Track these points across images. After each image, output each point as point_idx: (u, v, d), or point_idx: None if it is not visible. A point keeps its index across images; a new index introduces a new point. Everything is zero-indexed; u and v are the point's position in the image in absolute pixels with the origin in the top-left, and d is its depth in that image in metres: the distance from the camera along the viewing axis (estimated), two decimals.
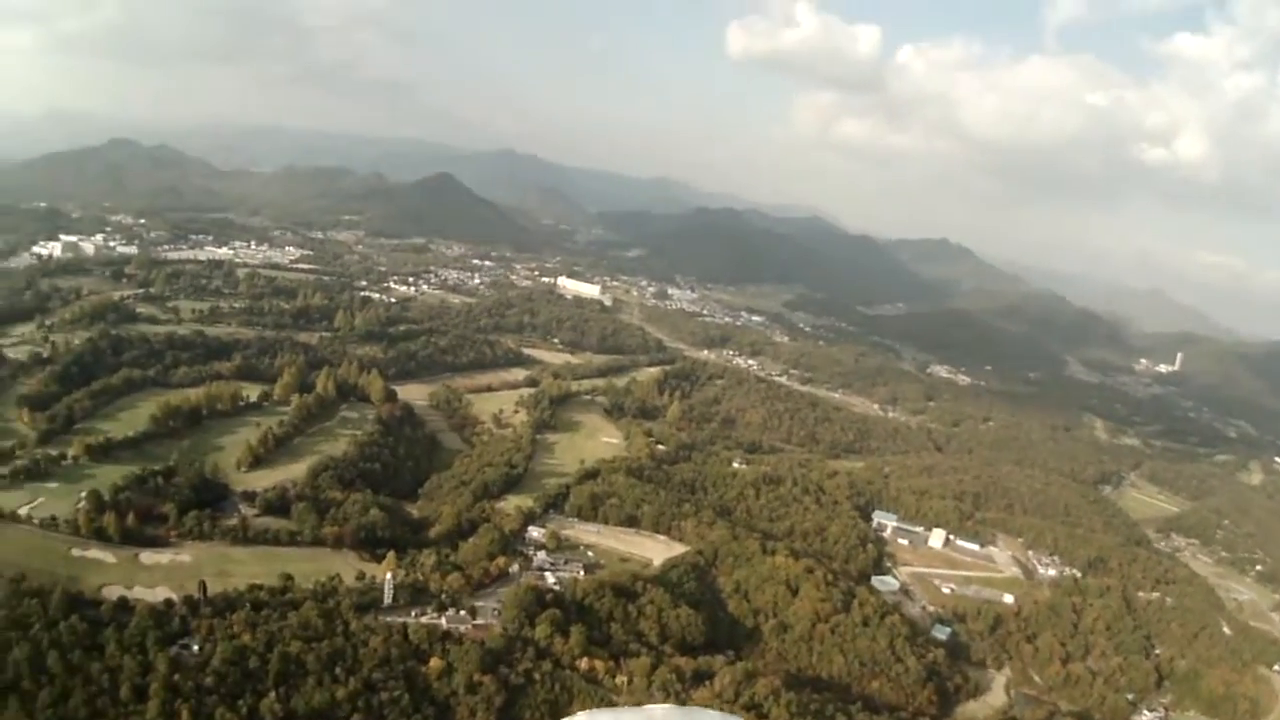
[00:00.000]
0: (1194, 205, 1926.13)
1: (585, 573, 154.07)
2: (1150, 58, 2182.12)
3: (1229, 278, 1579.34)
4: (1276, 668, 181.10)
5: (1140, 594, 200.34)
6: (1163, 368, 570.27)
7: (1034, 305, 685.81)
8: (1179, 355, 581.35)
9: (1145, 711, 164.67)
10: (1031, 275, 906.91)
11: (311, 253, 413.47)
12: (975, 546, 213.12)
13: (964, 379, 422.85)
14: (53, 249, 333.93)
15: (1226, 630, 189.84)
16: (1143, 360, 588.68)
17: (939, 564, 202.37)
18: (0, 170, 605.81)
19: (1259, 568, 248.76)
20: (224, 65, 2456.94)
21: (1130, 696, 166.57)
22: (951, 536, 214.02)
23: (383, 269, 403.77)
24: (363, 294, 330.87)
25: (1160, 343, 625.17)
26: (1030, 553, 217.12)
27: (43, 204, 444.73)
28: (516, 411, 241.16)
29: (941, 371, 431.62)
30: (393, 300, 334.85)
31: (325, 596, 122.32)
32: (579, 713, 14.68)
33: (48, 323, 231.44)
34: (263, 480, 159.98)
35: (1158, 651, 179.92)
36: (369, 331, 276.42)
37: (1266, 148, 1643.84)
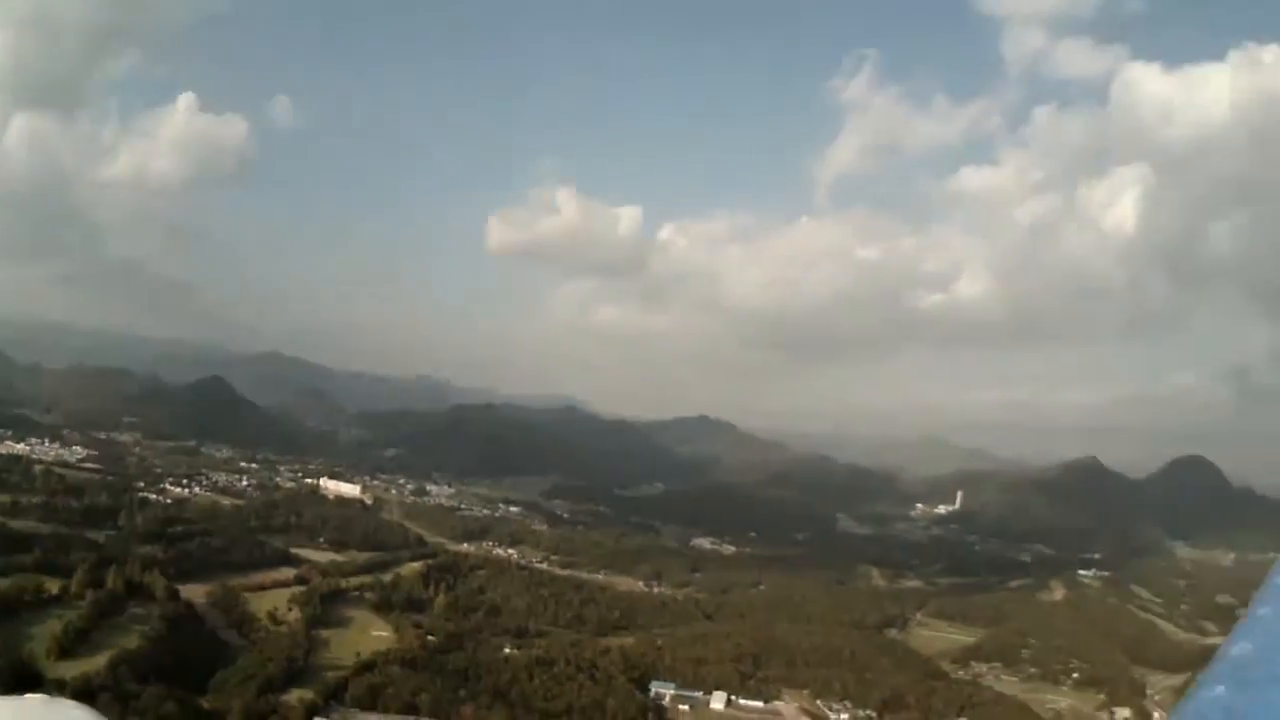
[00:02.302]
0: (974, 344, 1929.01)
1: None
2: (933, 199, 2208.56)
3: (1012, 410, 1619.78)
4: None
5: None
6: (942, 509, 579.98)
7: (801, 470, 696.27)
8: (959, 494, 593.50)
9: None
10: (799, 441, 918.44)
11: (96, 452, 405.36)
12: (760, 704, 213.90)
13: (729, 549, 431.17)
14: None
15: None
16: (919, 505, 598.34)
17: None
18: None
19: (1075, 675, 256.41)
20: (5, 261, 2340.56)
21: None
22: (733, 697, 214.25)
23: (159, 470, 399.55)
24: (142, 495, 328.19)
25: (937, 486, 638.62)
26: (819, 702, 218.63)
27: None
28: (290, 609, 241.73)
29: (705, 544, 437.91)
30: (169, 501, 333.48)
31: None
32: None
33: None
34: (71, 670, 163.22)
35: None
36: (150, 532, 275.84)
37: (1058, 270, 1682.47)
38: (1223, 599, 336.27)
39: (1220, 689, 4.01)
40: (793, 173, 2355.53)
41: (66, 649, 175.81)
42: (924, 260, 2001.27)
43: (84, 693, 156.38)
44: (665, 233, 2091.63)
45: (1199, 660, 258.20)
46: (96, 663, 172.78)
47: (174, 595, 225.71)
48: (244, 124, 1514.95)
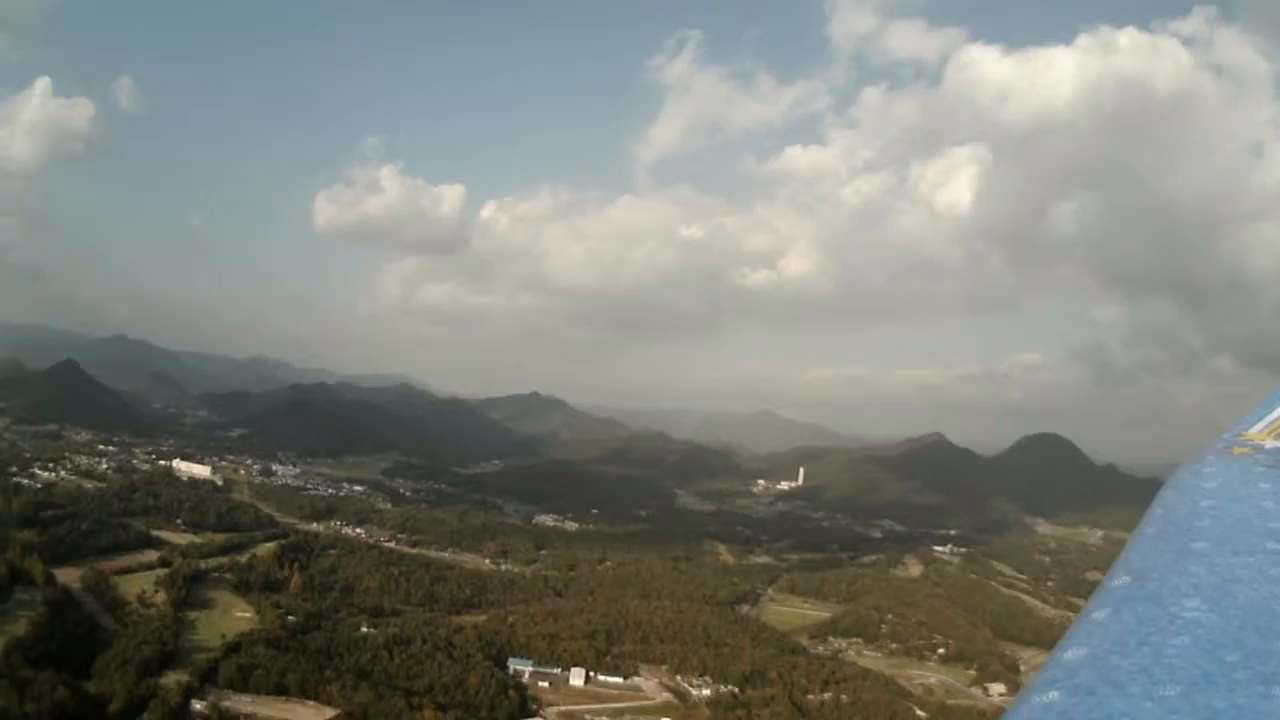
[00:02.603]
0: (806, 321, 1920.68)
1: None
2: (758, 178, 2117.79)
3: (850, 387, 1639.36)
4: None
5: (810, 696, 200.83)
6: (785, 484, 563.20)
7: (637, 446, 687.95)
8: (801, 470, 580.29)
9: None
10: (632, 417, 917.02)
11: None
12: (619, 679, 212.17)
13: (572, 525, 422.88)
14: None
15: (921, 713, 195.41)
16: (761, 481, 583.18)
17: (585, 701, 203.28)
18: None
19: (941, 651, 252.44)
20: None
21: None
22: (592, 673, 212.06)
23: (28, 455, 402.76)
24: (15, 479, 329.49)
25: (778, 463, 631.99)
26: (679, 677, 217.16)
27: None
28: (157, 591, 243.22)
29: (547, 521, 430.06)
30: (39, 486, 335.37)
31: None
32: None
33: None
34: None
35: None
36: (25, 516, 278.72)
37: (890, 249, 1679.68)
38: (1093, 575, 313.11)
39: (1054, 694, 3.64)
40: (614, 152, 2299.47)
41: None
42: (749, 239, 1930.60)
43: None
44: (488, 211, 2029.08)
45: None
46: None
47: (51, 580, 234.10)
48: (92, 108, 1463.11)
